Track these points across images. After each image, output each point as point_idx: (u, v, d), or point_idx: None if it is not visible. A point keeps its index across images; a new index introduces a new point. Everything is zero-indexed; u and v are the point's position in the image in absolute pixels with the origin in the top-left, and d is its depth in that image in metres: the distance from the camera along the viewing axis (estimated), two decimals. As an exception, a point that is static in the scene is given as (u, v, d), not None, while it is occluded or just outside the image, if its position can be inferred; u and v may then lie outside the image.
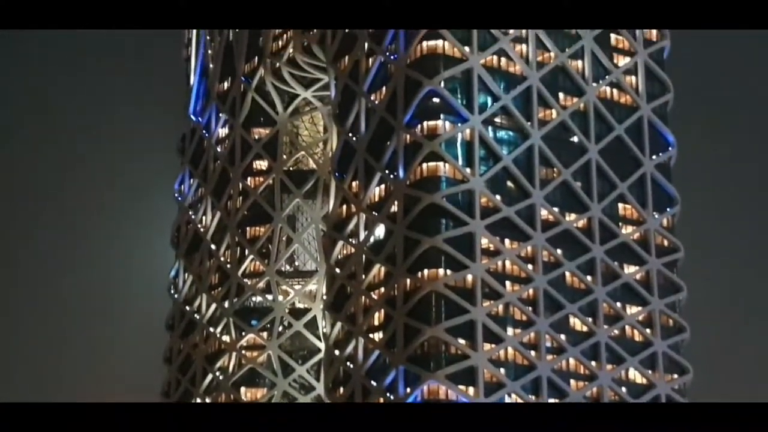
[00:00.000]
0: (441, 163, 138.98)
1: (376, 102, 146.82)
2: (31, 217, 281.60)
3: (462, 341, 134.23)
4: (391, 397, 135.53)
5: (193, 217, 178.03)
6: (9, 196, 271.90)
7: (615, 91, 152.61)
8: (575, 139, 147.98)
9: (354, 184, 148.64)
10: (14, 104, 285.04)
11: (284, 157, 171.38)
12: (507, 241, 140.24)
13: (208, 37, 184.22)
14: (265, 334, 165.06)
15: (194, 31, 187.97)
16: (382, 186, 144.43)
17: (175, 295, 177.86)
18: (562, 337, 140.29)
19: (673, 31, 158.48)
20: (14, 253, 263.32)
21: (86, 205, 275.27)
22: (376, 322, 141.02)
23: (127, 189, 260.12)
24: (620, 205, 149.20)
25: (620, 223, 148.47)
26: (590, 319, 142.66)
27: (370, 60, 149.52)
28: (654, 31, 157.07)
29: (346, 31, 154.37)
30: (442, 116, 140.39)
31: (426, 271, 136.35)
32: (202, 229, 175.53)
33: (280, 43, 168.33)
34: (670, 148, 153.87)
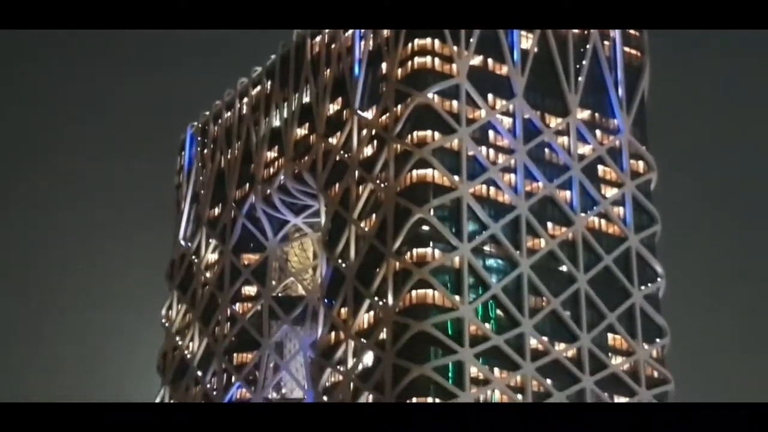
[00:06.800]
0: (430, 291, 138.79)
1: (366, 229, 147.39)
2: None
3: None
4: None
5: (180, 343, 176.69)
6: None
7: (603, 221, 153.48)
8: (564, 268, 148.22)
9: (343, 310, 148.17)
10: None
11: (273, 283, 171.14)
12: (496, 371, 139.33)
13: (199, 164, 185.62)
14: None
15: (186, 158, 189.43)
16: (371, 313, 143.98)
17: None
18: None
19: (662, 174, 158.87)
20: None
21: (72, 330, 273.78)
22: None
23: (115, 314, 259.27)
24: (609, 336, 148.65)
25: (610, 354, 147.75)
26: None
27: (360, 188, 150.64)
28: (641, 163, 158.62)
29: (337, 159, 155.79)
30: (431, 244, 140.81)
31: (415, 400, 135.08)
32: (188, 356, 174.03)
33: (271, 170, 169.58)
34: (658, 279, 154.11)
